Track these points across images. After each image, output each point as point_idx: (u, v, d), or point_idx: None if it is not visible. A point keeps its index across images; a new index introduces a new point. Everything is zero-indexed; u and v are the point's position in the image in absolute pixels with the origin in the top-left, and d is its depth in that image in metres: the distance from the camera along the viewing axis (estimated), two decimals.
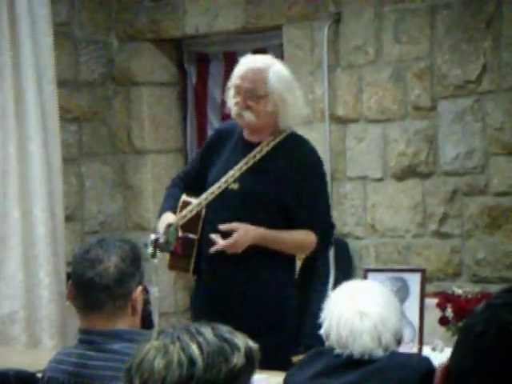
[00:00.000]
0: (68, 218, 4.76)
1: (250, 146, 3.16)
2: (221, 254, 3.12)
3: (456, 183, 4.20)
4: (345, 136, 4.50)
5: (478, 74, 4.11)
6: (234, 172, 3.14)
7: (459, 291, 3.46)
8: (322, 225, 3.17)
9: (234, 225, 3.10)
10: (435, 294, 3.78)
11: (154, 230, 5.17)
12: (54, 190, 4.45)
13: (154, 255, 3.13)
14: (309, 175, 3.12)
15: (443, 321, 3.43)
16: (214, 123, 5.18)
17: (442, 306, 3.44)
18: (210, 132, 5.19)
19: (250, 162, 3.13)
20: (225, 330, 1.23)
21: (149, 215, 5.17)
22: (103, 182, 5.15)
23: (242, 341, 1.23)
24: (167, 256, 3.26)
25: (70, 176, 4.96)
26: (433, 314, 3.46)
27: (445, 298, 3.47)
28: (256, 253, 3.11)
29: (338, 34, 4.47)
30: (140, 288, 2.04)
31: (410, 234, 4.33)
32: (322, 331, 2.32)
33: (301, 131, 3.33)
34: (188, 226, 3.20)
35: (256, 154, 3.13)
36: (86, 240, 4.38)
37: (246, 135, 3.20)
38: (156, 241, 3.12)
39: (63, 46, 4.91)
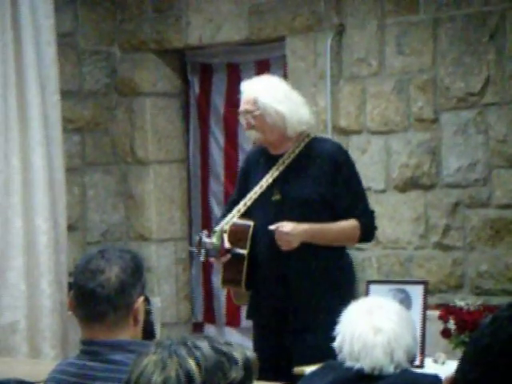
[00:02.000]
0: (70, 228, 4.76)
1: (276, 158, 3.38)
2: (275, 263, 3.32)
3: (458, 195, 4.20)
4: (347, 147, 4.50)
5: (481, 86, 4.11)
6: (266, 179, 3.35)
7: (461, 303, 3.46)
8: (363, 212, 3.36)
9: (283, 223, 3.26)
10: (437, 306, 3.78)
11: (156, 241, 5.19)
12: (57, 200, 4.45)
13: (198, 253, 3.30)
14: (340, 168, 3.32)
15: (445, 333, 3.42)
16: (216, 134, 5.19)
17: (444, 318, 3.44)
18: (212, 143, 5.21)
19: (279, 170, 3.34)
20: (222, 342, 1.22)
21: (151, 225, 5.17)
22: (106, 192, 5.16)
23: (239, 353, 1.23)
24: (220, 274, 3.45)
25: (73, 186, 4.97)
26: (435, 326, 3.46)
27: (447, 311, 3.46)
28: (304, 251, 3.27)
29: (341, 45, 4.48)
30: (142, 298, 2.03)
31: (412, 245, 4.33)
32: (335, 344, 2.33)
33: None
34: (237, 241, 3.37)
35: (285, 161, 3.34)
36: (88, 250, 4.38)
37: (271, 150, 3.41)
38: (200, 240, 3.29)
39: (67, 56, 4.92)
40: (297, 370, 3.19)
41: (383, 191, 4.39)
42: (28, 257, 4.33)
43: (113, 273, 2.00)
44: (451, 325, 3.40)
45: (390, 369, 2.26)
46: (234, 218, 3.36)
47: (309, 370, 2.86)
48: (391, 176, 4.39)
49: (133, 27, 5.16)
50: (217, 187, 5.19)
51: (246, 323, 5.08)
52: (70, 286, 2.15)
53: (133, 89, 5.18)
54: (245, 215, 3.43)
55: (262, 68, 4.95)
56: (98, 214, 5.12)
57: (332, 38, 4.47)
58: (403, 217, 4.36)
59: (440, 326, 3.45)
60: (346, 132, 4.49)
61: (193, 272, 5.29)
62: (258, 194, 3.35)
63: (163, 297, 5.14)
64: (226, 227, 3.35)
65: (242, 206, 3.37)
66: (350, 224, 3.32)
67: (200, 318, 5.28)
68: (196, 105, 5.27)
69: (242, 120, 3.39)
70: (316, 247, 3.30)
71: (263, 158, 3.43)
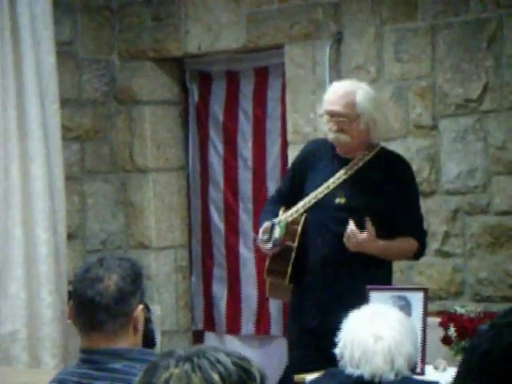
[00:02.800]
0: (70, 237, 4.76)
1: (346, 161, 3.45)
2: (322, 262, 3.39)
3: (458, 202, 4.20)
4: None
5: (480, 93, 4.12)
6: (334, 181, 3.41)
7: (462, 310, 3.45)
8: (422, 232, 3.50)
9: (365, 232, 3.32)
10: (438, 313, 3.77)
11: (156, 249, 5.19)
12: (57, 208, 4.45)
13: (268, 240, 3.37)
14: (405, 187, 3.44)
15: (446, 340, 3.42)
16: (215, 142, 5.19)
17: (444, 325, 3.43)
18: (211, 150, 5.21)
19: (348, 174, 3.41)
20: (239, 356, 1.22)
21: (150, 233, 5.17)
22: (105, 201, 5.16)
23: (256, 369, 1.22)
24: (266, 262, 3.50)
25: (73, 194, 4.97)
26: (435, 333, 3.45)
27: (447, 317, 3.46)
28: (356, 261, 3.35)
29: (340, 53, 4.48)
30: (141, 306, 2.03)
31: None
32: (336, 350, 2.33)
33: None
34: (287, 234, 3.43)
35: (353, 166, 3.42)
36: (88, 258, 4.37)
37: (342, 153, 3.47)
38: (272, 227, 3.37)
39: (66, 65, 4.93)
40: (297, 377, 3.19)
41: None
42: (28, 266, 4.33)
43: (112, 281, 1.99)
44: (452, 332, 3.39)
45: (391, 376, 2.25)
46: (298, 211, 3.42)
47: (310, 377, 2.86)
48: None
49: (132, 36, 5.17)
50: (216, 195, 5.19)
51: (246, 331, 5.08)
52: (70, 294, 2.15)
53: (132, 97, 5.18)
54: (293, 204, 3.48)
55: (261, 75, 4.96)
56: (97, 223, 5.12)
57: (330, 46, 4.47)
58: None
59: (440, 332, 3.44)
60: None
61: (193, 280, 5.28)
62: (324, 194, 3.41)
63: (163, 305, 5.13)
64: (290, 219, 3.42)
65: (307, 202, 3.42)
66: (410, 244, 3.45)
67: (200, 326, 5.27)
68: (195, 113, 5.27)
69: (330, 122, 3.40)
70: (367, 262, 3.36)
71: (329, 156, 3.48)
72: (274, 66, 4.88)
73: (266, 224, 3.43)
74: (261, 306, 4.94)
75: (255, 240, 3.52)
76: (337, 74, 4.49)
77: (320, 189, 3.41)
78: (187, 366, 1.18)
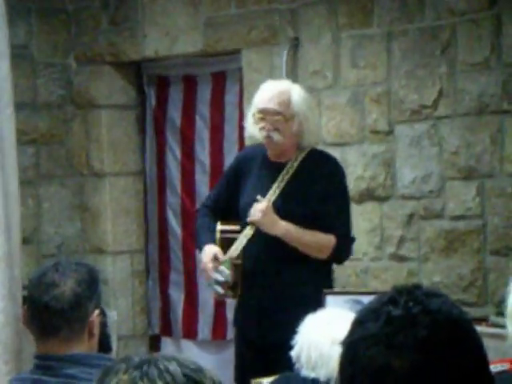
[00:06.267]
0: (25, 241, 4.71)
1: (277, 167, 3.38)
2: (256, 268, 3.35)
3: (413, 207, 4.25)
4: None
5: (434, 99, 4.17)
6: (274, 190, 3.34)
7: None
8: (343, 234, 3.39)
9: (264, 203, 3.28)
10: None
11: (112, 253, 5.16)
12: (11, 212, 4.39)
13: (225, 294, 3.37)
14: (333, 186, 3.36)
15: None
16: (173, 146, 5.18)
17: None
18: (169, 155, 5.20)
19: (281, 186, 3.34)
20: (192, 367, 1.21)
21: (107, 238, 5.14)
22: (61, 205, 5.12)
23: (209, 379, 1.22)
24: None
25: (28, 198, 4.92)
26: None
27: None
28: (295, 264, 3.32)
29: (297, 58, 4.51)
30: (97, 311, 2.02)
31: (367, 256, 4.37)
32: (292, 353, 2.34)
33: None
34: (228, 251, 3.39)
35: (284, 177, 3.35)
36: (43, 263, 4.33)
37: (272, 157, 3.41)
38: (225, 282, 3.33)
39: (21, 68, 4.88)
40: (254, 382, 3.19)
41: None
42: None
43: (67, 286, 1.98)
44: None
45: None
46: (242, 244, 3.36)
47: (266, 381, 2.87)
48: None
49: (88, 39, 5.14)
50: (173, 199, 5.18)
51: (203, 336, 5.07)
52: (25, 299, 2.13)
53: (89, 101, 5.15)
54: (228, 219, 3.46)
55: (219, 80, 4.97)
56: (53, 227, 5.07)
57: (287, 51, 4.50)
58: (359, 228, 4.39)
59: None
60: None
61: (149, 285, 5.27)
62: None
63: (119, 310, 5.10)
64: (235, 255, 3.35)
65: (248, 233, 3.35)
66: (326, 238, 3.35)
67: (157, 330, 5.26)
68: (152, 117, 5.26)
69: (262, 121, 3.31)
70: (305, 259, 3.33)
71: (261, 163, 3.41)
72: (231, 71, 4.89)
73: (215, 273, 3.33)
74: (217, 310, 4.94)
75: (210, 285, 3.43)
76: (294, 79, 4.52)
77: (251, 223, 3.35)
78: (136, 373, 1.19)
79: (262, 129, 3.33)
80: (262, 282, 3.37)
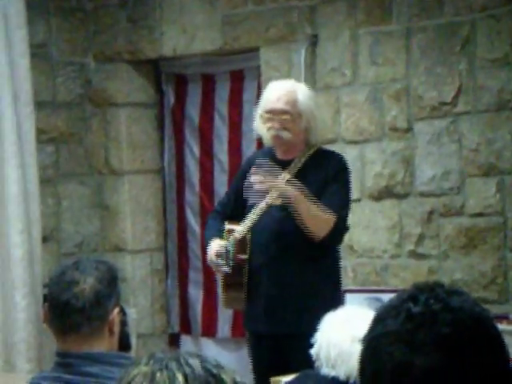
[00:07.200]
0: (45, 240, 4.73)
1: (284, 164, 3.45)
2: (269, 261, 3.40)
3: (432, 204, 4.23)
4: None
5: (454, 95, 4.15)
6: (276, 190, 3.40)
7: None
8: (341, 217, 3.44)
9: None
10: None
11: (132, 252, 5.17)
12: (31, 211, 4.42)
13: (228, 264, 3.39)
14: (335, 176, 3.44)
15: None
16: (191, 144, 5.18)
17: None
18: (187, 153, 5.20)
19: (288, 177, 3.40)
20: (214, 363, 1.23)
21: (126, 236, 5.15)
22: (80, 203, 5.13)
23: (229, 376, 1.23)
24: (221, 278, 3.54)
25: (47, 197, 4.94)
26: None
27: None
28: (294, 258, 3.37)
29: (315, 56, 4.50)
30: (117, 309, 2.02)
31: (387, 254, 4.35)
32: (312, 351, 2.34)
33: None
34: (237, 247, 3.45)
35: (290, 171, 3.42)
36: (63, 261, 4.35)
37: (280, 155, 3.49)
38: (227, 252, 3.39)
39: (40, 67, 4.90)
40: (273, 380, 3.19)
41: (358, 200, 4.40)
42: (2, 270, 4.30)
43: (87, 284, 1.99)
44: None
45: None
46: (245, 227, 3.43)
47: (285, 380, 2.86)
48: (366, 185, 4.41)
49: (106, 38, 5.15)
50: (192, 197, 5.19)
51: (222, 333, 5.07)
52: (45, 297, 2.14)
53: (107, 99, 5.16)
54: (238, 217, 3.51)
55: (237, 78, 4.96)
56: (72, 225, 5.09)
57: (306, 49, 4.49)
58: (378, 226, 4.37)
59: None
60: (320, 142, 4.51)
61: (168, 283, 5.27)
62: (270, 202, 3.41)
63: (139, 308, 5.11)
64: (239, 237, 3.42)
65: (253, 215, 3.42)
66: (328, 216, 3.40)
67: (176, 328, 5.26)
68: (171, 115, 5.26)
69: (270, 121, 3.41)
70: (311, 255, 3.37)
71: (274, 163, 3.47)
72: (249, 69, 4.88)
73: (218, 248, 3.42)
74: None
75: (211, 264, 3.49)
76: (312, 76, 4.51)
77: (265, 199, 3.41)
78: (155, 365, 1.20)
79: (270, 128, 3.43)
80: (268, 274, 3.41)
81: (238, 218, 3.52)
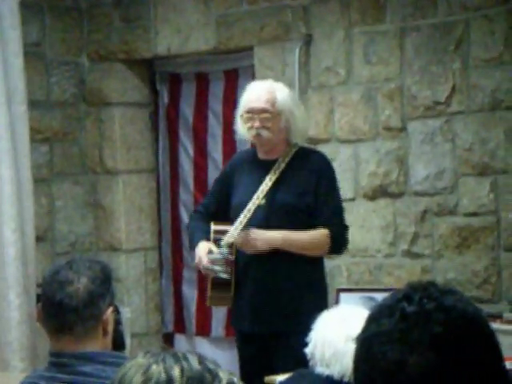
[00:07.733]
0: (39, 239, 4.73)
1: (267, 164, 3.48)
2: (255, 260, 3.41)
3: (426, 203, 4.23)
4: None
5: (447, 95, 4.15)
6: (262, 189, 3.42)
7: None
8: (336, 224, 3.45)
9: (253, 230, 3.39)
10: None
11: (126, 251, 5.17)
12: (25, 210, 4.41)
13: (227, 271, 3.41)
14: (322, 179, 3.44)
15: None
16: (185, 143, 5.18)
17: None
18: (181, 152, 5.20)
19: (273, 179, 3.43)
20: (211, 361, 1.24)
21: (120, 235, 5.15)
22: (74, 203, 5.13)
23: (225, 373, 1.23)
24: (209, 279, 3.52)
25: (41, 196, 4.93)
26: None
27: None
28: (287, 256, 3.37)
29: (309, 55, 4.50)
30: (111, 309, 2.02)
31: (381, 253, 4.36)
32: (307, 350, 2.34)
33: None
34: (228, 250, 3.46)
35: (275, 171, 3.44)
36: (57, 261, 4.34)
37: (262, 155, 3.52)
38: (225, 259, 3.40)
39: (34, 66, 4.89)
40: (267, 379, 3.20)
41: (352, 199, 4.41)
42: None
43: (81, 284, 1.99)
44: None
45: None
46: (237, 229, 3.42)
47: (279, 379, 2.87)
48: (360, 184, 4.41)
49: (101, 37, 5.15)
50: (186, 197, 5.19)
51: (216, 333, 5.08)
52: (39, 297, 2.14)
53: (101, 99, 5.16)
54: (220, 219, 3.52)
55: (231, 77, 4.96)
56: (66, 225, 5.08)
57: (300, 48, 4.49)
58: (372, 225, 4.38)
59: None
60: (314, 141, 4.51)
61: (163, 282, 5.27)
62: (257, 203, 3.42)
63: (133, 307, 5.11)
64: (231, 240, 3.42)
65: (242, 218, 3.42)
66: (319, 233, 3.42)
67: (170, 328, 5.26)
68: (165, 114, 5.26)
69: (251, 121, 3.44)
70: (297, 255, 3.39)
71: (251, 163, 3.52)
72: (243, 68, 4.88)
73: (214, 255, 3.42)
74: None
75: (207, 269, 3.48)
76: (306, 75, 4.51)
77: (253, 199, 3.42)
78: (152, 359, 1.21)
79: (250, 128, 3.46)
80: (254, 275, 3.42)
81: (221, 219, 3.53)
